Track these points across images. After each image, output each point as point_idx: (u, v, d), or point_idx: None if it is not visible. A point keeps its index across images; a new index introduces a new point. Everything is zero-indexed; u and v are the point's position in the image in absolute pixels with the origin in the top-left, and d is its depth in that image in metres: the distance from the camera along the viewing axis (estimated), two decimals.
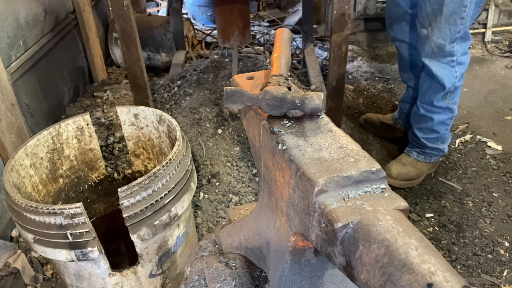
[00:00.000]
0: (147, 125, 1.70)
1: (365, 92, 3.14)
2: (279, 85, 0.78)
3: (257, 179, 2.07)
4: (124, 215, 1.23)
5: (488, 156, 2.46)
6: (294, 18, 4.05)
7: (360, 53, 3.68)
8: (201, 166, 2.09)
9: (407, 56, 2.28)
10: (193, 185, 1.45)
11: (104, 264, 1.29)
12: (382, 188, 0.62)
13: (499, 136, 2.63)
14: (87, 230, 1.20)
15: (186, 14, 4.52)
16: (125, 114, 1.69)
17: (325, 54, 3.58)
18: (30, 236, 1.23)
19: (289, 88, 0.78)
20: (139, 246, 1.31)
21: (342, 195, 0.61)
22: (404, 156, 2.31)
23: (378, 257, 0.52)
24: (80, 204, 1.17)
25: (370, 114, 2.72)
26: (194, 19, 4.47)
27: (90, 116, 1.67)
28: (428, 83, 2.07)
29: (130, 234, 1.25)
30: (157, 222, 1.28)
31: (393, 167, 2.25)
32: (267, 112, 0.76)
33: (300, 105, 0.74)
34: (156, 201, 1.28)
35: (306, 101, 0.73)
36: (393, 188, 2.12)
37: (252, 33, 3.68)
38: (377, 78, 3.31)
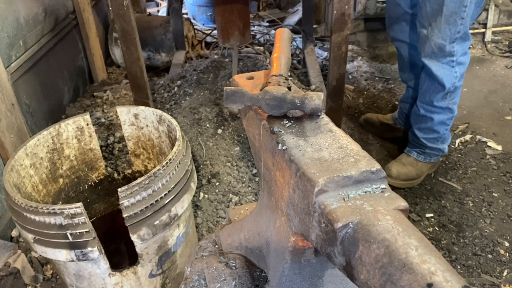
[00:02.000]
0: (147, 125, 1.70)
1: (365, 92, 3.14)
2: (279, 85, 0.78)
3: (257, 179, 2.07)
4: (124, 215, 1.23)
5: (488, 156, 2.46)
6: (294, 18, 4.05)
7: (360, 53, 3.68)
8: (201, 166, 2.09)
9: (407, 56, 2.28)
10: (193, 185, 1.45)
11: (104, 264, 1.29)
12: (382, 188, 0.62)
13: (499, 136, 2.63)
14: (87, 230, 1.20)
15: (186, 14, 4.52)
16: (125, 114, 1.69)
17: (325, 54, 3.57)
18: (30, 236, 1.23)
19: (289, 88, 0.78)
20: (139, 246, 1.31)
21: (342, 195, 0.61)
22: (404, 156, 2.31)
23: (378, 257, 0.52)
24: (80, 204, 1.17)
25: (370, 114, 2.72)
26: (194, 19, 4.47)
27: (90, 116, 1.67)
28: (428, 83, 2.07)
29: (130, 234, 1.25)
30: (157, 222, 1.28)
31: (393, 167, 2.25)
32: (267, 112, 0.76)
33: (300, 105, 0.74)
34: (156, 201, 1.28)
35: (306, 101, 0.74)
36: (393, 188, 2.11)
37: (252, 33, 3.68)
38: (377, 78, 3.31)
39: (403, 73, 2.40)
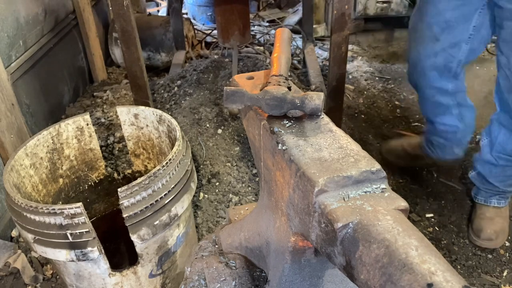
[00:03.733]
0: (147, 125, 1.70)
1: (365, 92, 3.14)
2: (279, 85, 0.78)
3: (257, 179, 2.07)
4: (124, 215, 1.23)
5: None
6: (294, 18, 4.05)
7: (360, 53, 3.68)
8: (201, 166, 2.09)
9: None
10: (193, 185, 1.45)
11: (104, 264, 1.29)
12: (382, 188, 0.62)
13: None
14: (87, 230, 1.20)
15: (186, 14, 4.52)
16: (125, 114, 1.69)
17: (325, 54, 3.58)
18: (30, 236, 1.23)
19: (289, 88, 0.78)
20: (139, 246, 1.31)
21: (342, 195, 0.61)
22: (484, 209, 2.00)
23: (378, 257, 0.52)
24: (80, 204, 1.17)
25: (393, 143, 2.35)
26: (194, 19, 4.47)
27: (90, 116, 1.67)
28: (505, 132, 1.78)
29: (130, 234, 1.25)
30: (157, 222, 1.28)
31: (486, 228, 1.93)
32: (267, 112, 0.76)
33: (300, 105, 0.74)
34: (156, 201, 1.28)
35: (306, 101, 0.73)
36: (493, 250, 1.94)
37: (252, 33, 3.68)
38: (377, 78, 3.31)
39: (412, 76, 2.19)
